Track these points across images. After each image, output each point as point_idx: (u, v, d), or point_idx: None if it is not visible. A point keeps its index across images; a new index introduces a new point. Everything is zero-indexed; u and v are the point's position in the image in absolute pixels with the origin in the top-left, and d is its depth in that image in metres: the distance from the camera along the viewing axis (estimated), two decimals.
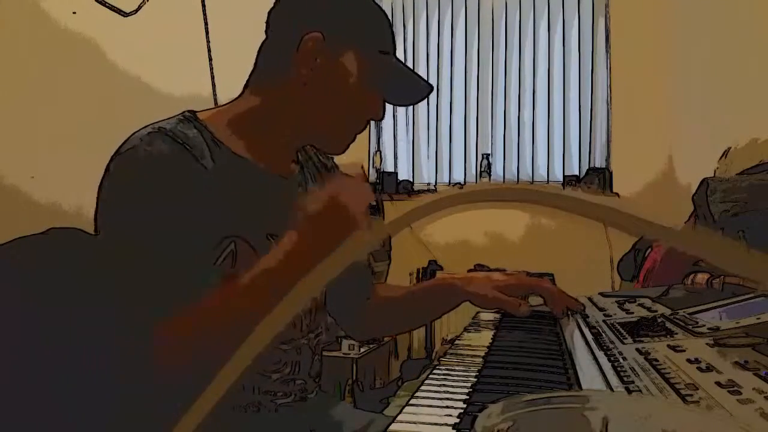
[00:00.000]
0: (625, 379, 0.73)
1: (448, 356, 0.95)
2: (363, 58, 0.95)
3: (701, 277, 1.40)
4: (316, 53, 0.93)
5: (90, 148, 1.17)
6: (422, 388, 0.78)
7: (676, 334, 0.92)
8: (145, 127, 0.87)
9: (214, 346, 0.49)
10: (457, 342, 1.06)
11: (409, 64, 3.52)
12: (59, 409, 0.89)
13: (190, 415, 0.31)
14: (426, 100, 1.13)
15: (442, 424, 0.65)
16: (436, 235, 3.23)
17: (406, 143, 3.67)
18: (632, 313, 1.13)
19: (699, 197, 1.84)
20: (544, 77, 3.48)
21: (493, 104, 3.55)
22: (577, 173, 3.43)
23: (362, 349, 2.86)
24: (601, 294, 1.38)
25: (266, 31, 0.98)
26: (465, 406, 0.71)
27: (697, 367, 0.73)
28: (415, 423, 0.66)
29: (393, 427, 0.65)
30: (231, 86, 1.06)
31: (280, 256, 0.80)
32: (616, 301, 1.25)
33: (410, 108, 3.57)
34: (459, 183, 3.62)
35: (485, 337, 1.08)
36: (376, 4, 1.01)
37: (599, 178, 3.29)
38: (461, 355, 0.96)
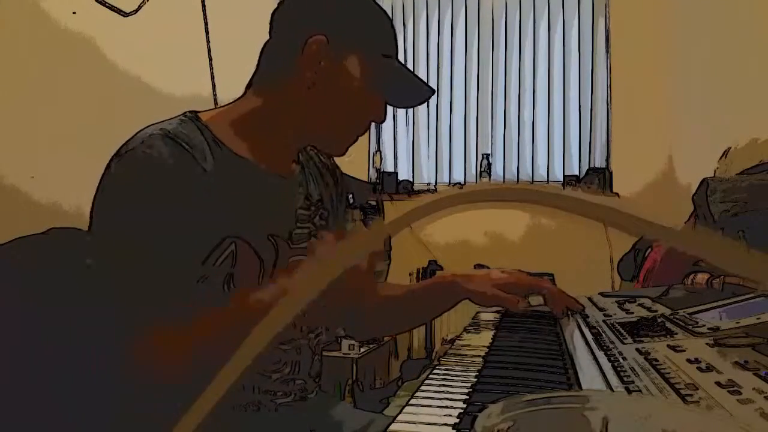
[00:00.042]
0: (625, 379, 0.73)
1: (448, 356, 0.95)
2: (366, 62, 0.95)
3: (701, 277, 1.40)
4: (320, 56, 0.93)
5: (90, 148, 1.17)
6: (422, 388, 0.78)
7: (676, 334, 0.92)
8: (148, 127, 0.88)
9: (201, 361, 0.50)
10: (457, 342, 1.06)
11: (409, 64, 3.52)
12: (59, 409, 0.89)
13: (190, 415, 0.31)
14: None
15: (442, 424, 0.65)
16: (436, 235, 3.24)
17: (406, 143, 3.67)
18: (632, 313, 1.13)
19: (699, 197, 1.84)
20: (544, 77, 3.48)
21: (493, 104, 3.55)
22: (577, 173, 3.43)
23: (362, 349, 2.86)
24: (601, 294, 1.38)
25: (270, 33, 0.98)
26: (465, 406, 0.71)
27: (697, 367, 0.73)
28: (415, 423, 0.66)
29: (393, 427, 0.65)
30: (231, 86, 1.06)
31: (277, 293, 0.80)
32: (616, 301, 1.25)
33: (410, 108, 3.57)
34: (459, 183, 3.62)
35: (485, 337, 1.08)
36: (380, 7, 1.01)
37: (599, 178, 3.29)
38: (461, 355, 0.96)
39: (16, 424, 0.86)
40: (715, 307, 1.01)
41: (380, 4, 1.02)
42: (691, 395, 0.64)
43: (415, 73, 1.10)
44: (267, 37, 0.99)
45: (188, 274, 0.85)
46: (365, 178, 3.55)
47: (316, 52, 0.93)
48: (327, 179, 1.11)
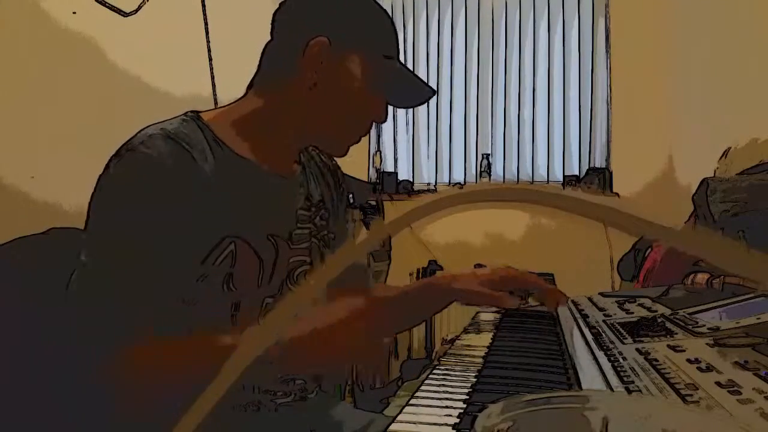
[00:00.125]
0: (625, 379, 0.73)
1: (448, 356, 0.95)
2: (368, 63, 0.95)
3: (701, 277, 1.40)
4: (322, 58, 0.93)
5: (90, 148, 1.17)
6: (422, 388, 0.78)
7: (676, 334, 0.92)
8: (148, 126, 0.88)
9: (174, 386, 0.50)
10: (457, 342, 1.06)
11: (410, 64, 3.52)
12: (59, 409, 0.89)
13: (190, 415, 0.31)
14: None
15: (442, 424, 0.65)
16: (436, 235, 3.23)
17: (406, 143, 3.67)
18: (632, 313, 1.13)
19: (699, 197, 1.84)
20: (544, 77, 3.48)
21: (493, 104, 3.55)
22: (577, 173, 3.43)
23: None
24: (601, 294, 1.38)
25: (271, 33, 0.98)
26: (465, 406, 0.71)
27: (697, 367, 0.73)
28: (415, 423, 0.66)
29: (393, 427, 0.65)
30: (231, 86, 1.06)
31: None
32: (616, 301, 1.25)
33: (410, 108, 3.57)
34: (459, 183, 3.62)
35: (485, 337, 1.08)
36: (381, 7, 1.01)
37: (599, 178, 3.29)
38: (461, 355, 0.96)
39: (16, 424, 0.86)
40: (715, 307, 1.01)
41: (380, 4, 1.02)
42: (691, 395, 0.64)
43: (415, 73, 1.10)
44: (267, 37, 0.99)
45: (187, 274, 0.85)
46: (365, 178, 3.55)
47: (317, 54, 0.93)
48: (328, 180, 1.11)
